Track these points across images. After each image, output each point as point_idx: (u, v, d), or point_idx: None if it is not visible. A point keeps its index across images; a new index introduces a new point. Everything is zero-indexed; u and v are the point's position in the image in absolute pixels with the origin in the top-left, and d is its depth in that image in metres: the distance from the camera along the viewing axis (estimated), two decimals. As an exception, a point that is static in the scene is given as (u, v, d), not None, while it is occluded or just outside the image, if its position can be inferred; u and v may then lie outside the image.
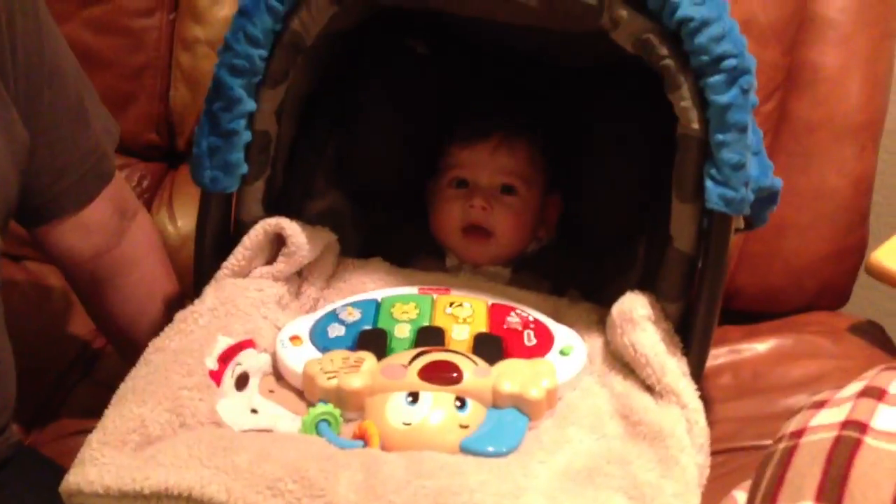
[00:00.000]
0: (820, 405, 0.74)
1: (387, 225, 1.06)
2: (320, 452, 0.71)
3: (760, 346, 1.17)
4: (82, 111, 0.91)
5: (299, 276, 0.93)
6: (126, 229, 0.98)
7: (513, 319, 0.88)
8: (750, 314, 1.22)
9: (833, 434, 0.69)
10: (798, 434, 0.72)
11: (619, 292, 0.86)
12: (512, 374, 0.79)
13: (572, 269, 1.01)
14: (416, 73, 1.04)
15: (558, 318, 0.90)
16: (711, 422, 0.82)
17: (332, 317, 0.88)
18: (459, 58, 1.05)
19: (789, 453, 0.70)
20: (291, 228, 0.89)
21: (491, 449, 0.74)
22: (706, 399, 0.84)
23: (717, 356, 1.14)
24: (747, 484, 0.74)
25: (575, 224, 1.04)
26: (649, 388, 0.81)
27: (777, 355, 1.16)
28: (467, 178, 1.00)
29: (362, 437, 0.75)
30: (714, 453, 0.82)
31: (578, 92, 1.03)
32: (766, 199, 0.89)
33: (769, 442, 0.75)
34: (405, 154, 1.05)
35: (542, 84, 1.07)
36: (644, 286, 0.87)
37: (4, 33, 0.81)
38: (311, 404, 0.78)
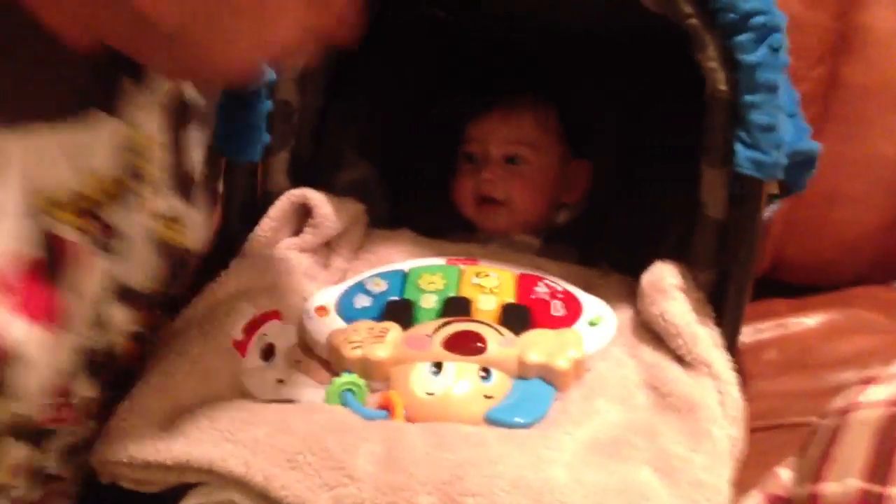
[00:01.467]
0: (869, 381, 0.72)
1: (417, 197, 1.05)
2: (341, 424, 0.70)
3: (809, 321, 1.14)
4: None
5: (328, 248, 0.93)
6: None
7: (541, 289, 0.87)
8: (798, 287, 1.19)
9: (882, 411, 0.67)
10: (845, 411, 0.70)
11: (651, 263, 0.84)
12: (538, 344, 0.78)
13: (604, 240, 1.00)
14: (438, 46, 1.04)
15: (589, 289, 0.89)
16: (755, 397, 0.80)
17: (359, 287, 0.88)
18: (491, 35, 1.04)
19: (836, 430, 0.68)
20: (317, 199, 0.89)
21: (516, 419, 0.73)
22: (749, 374, 0.82)
23: (763, 330, 1.11)
24: (791, 461, 0.72)
25: (607, 195, 1.03)
26: (680, 359, 0.78)
27: (826, 330, 1.13)
28: (476, 152, 1.01)
29: (386, 407, 0.74)
30: (757, 430, 0.80)
31: (612, 64, 1.02)
32: (803, 163, 0.85)
33: (815, 419, 0.72)
34: (428, 128, 1.05)
35: (583, 59, 1.05)
36: (676, 256, 0.85)
37: None
38: (336, 374, 0.78)
